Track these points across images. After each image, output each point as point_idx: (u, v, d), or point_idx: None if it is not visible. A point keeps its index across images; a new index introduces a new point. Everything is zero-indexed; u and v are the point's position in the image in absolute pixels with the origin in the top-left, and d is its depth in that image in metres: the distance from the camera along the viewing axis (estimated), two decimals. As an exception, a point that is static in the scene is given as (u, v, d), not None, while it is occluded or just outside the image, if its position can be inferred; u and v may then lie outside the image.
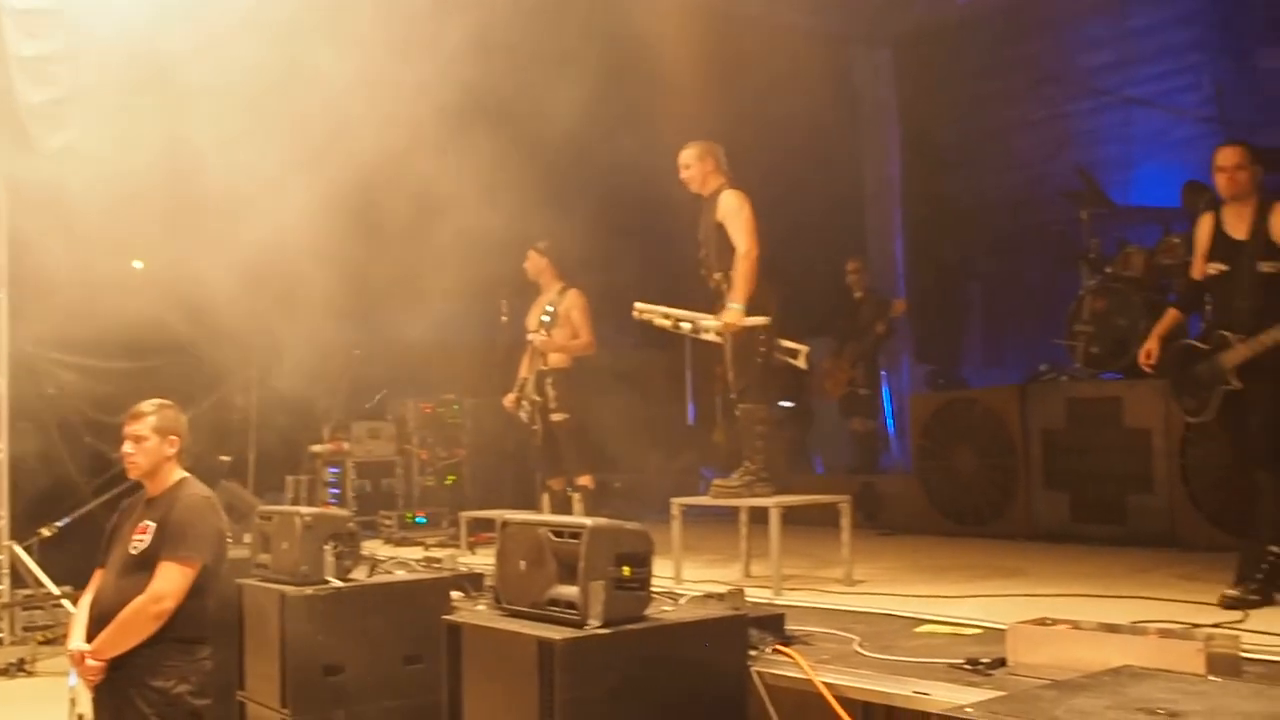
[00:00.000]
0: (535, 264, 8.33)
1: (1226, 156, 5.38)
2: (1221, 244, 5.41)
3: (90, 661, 4.43)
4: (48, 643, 8.27)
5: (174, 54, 7.48)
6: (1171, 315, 5.92)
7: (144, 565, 4.52)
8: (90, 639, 4.49)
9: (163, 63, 7.46)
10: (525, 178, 8.50)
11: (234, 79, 7.42)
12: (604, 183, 9.55)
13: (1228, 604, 5.01)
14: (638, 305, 7.02)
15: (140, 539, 4.56)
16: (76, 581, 8.46)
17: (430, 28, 7.58)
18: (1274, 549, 5.12)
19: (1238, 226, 5.35)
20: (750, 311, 6.40)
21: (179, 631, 4.51)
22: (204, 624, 4.64)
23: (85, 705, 6.87)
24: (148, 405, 4.76)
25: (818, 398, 11.29)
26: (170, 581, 4.45)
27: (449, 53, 7.67)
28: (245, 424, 10.24)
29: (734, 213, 6.48)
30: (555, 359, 8.08)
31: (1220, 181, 5.39)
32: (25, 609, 8.36)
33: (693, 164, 6.66)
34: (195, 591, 4.54)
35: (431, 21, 7.54)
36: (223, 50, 7.44)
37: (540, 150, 8.81)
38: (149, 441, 4.67)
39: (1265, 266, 5.19)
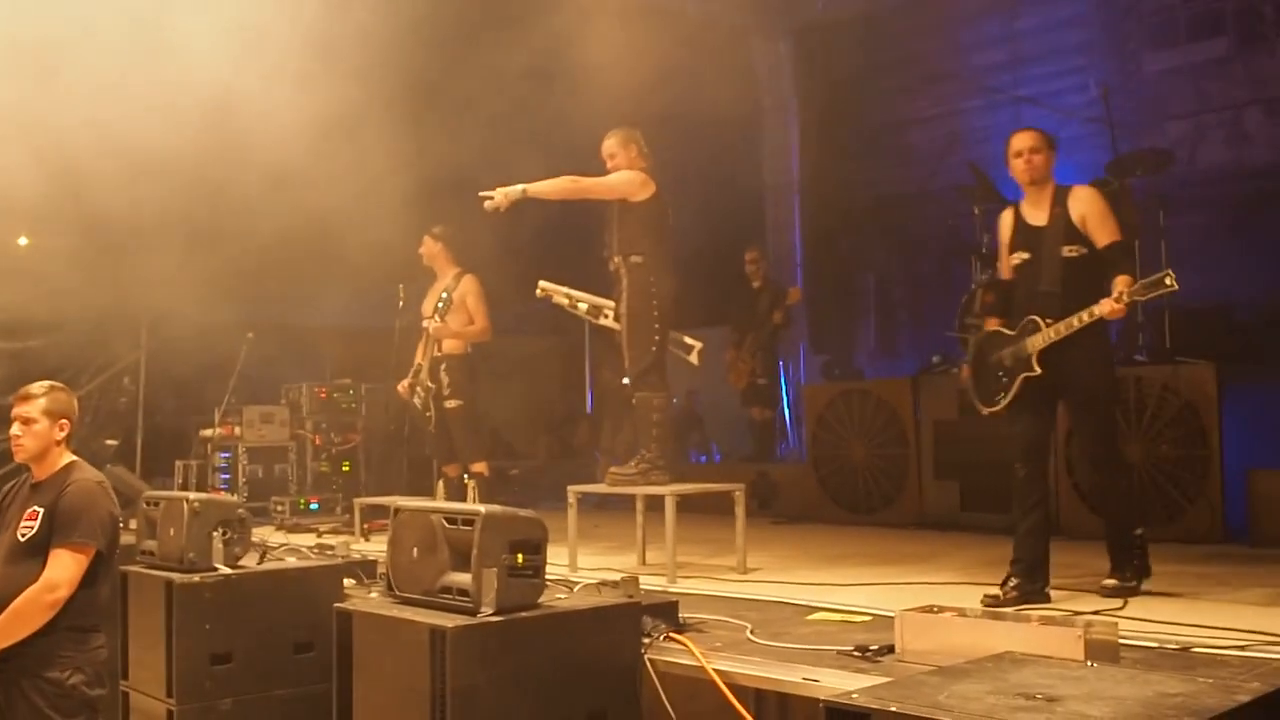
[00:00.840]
0: (430, 249, 8.26)
1: (1024, 139, 5.29)
2: (1023, 233, 5.35)
3: None
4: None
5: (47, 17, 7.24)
6: (990, 325, 5.56)
7: (33, 552, 4.37)
8: None
9: (37, 27, 7.21)
10: (425, 161, 8.42)
11: (118, 43, 7.21)
12: (505, 168, 9.48)
13: (1108, 593, 5.13)
14: (541, 283, 7.00)
15: (29, 525, 4.40)
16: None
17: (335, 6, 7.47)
18: (1139, 531, 5.25)
19: (1036, 214, 5.30)
20: (649, 301, 6.42)
21: (72, 620, 4.38)
22: (98, 612, 4.52)
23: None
24: (38, 387, 4.60)
25: (717, 386, 11.38)
26: (64, 569, 4.31)
27: (352, 35, 7.56)
28: (132, 407, 9.99)
29: (622, 175, 6.51)
30: (450, 345, 8.02)
31: (1018, 166, 5.30)
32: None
33: (618, 152, 6.61)
34: (88, 579, 4.40)
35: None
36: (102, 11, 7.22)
37: (441, 134, 8.73)
38: (38, 424, 4.52)
39: (1068, 251, 5.16)
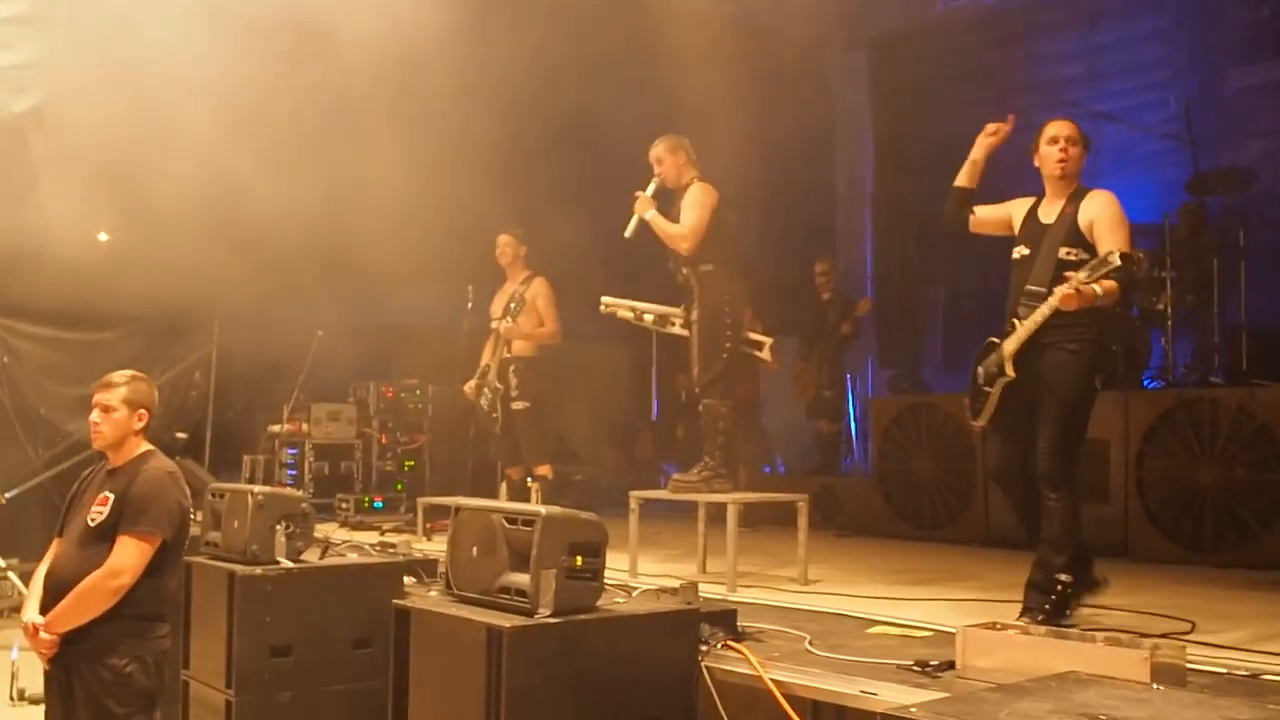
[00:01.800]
0: (509, 249, 8.27)
1: (1062, 126, 4.94)
2: (1030, 227, 4.97)
3: (44, 634, 4.34)
4: (-8, 615, 8.19)
5: (142, 21, 7.39)
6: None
7: (102, 538, 4.42)
8: (45, 611, 4.40)
9: (131, 29, 7.37)
10: (498, 166, 8.48)
11: (202, 51, 7.34)
12: (578, 176, 9.53)
13: None
14: (604, 299, 7.01)
15: (99, 510, 4.46)
16: (24, 554, 8.37)
17: (402, 8, 7.53)
18: (1063, 577, 4.76)
19: (1049, 211, 4.95)
20: (722, 308, 6.41)
21: (136, 608, 4.41)
22: (163, 601, 4.55)
23: (26, 679, 6.82)
24: (119, 376, 4.65)
25: (782, 398, 11.31)
26: (128, 556, 4.35)
27: (428, 36, 7.63)
28: (203, 401, 10.16)
29: (693, 201, 6.51)
30: (519, 347, 8.05)
31: (1051, 155, 4.90)
32: (-29, 581, 8.26)
33: (665, 158, 6.64)
34: (154, 568, 4.43)
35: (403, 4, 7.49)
36: (191, 20, 7.36)
37: (516, 141, 8.78)
38: (118, 413, 4.57)
39: (1065, 252, 4.79)
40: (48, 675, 4.50)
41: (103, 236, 9.44)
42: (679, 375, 11.22)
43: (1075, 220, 4.81)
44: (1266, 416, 7.07)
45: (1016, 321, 4.83)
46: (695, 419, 6.89)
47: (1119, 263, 4.48)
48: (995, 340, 4.97)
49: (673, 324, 6.74)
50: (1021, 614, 4.74)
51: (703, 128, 7.31)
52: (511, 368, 8.01)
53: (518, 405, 7.97)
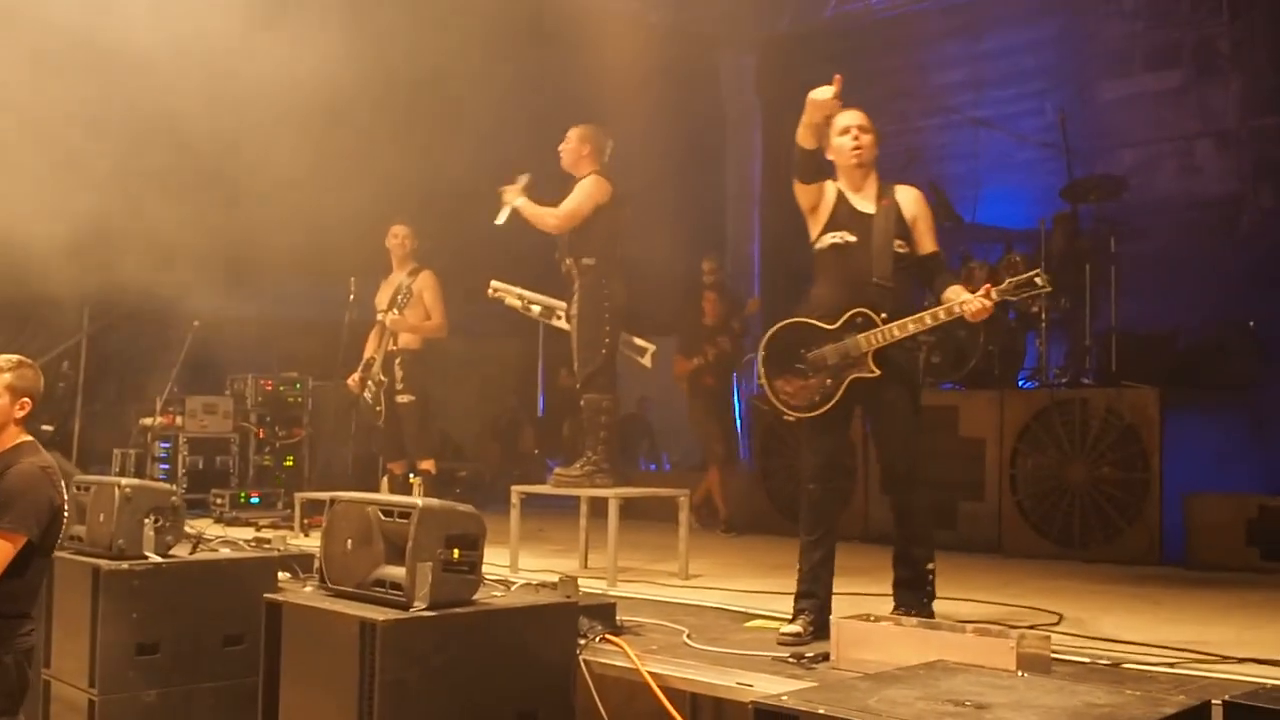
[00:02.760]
0: (405, 241, 8.14)
1: (854, 116, 4.84)
2: (846, 214, 4.79)
3: None
4: None
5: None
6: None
7: None
8: None
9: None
10: (383, 157, 8.36)
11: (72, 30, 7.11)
12: (463, 167, 9.45)
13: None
14: (494, 283, 6.97)
15: None
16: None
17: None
18: (931, 565, 4.79)
19: (861, 200, 4.81)
20: (601, 303, 6.42)
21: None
22: (28, 600, 4.33)
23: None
24: (4, 360, 4.42)
25: (668, 394, 11.34)
26: None
27: (315, 24, 7.50)
28: (71, 392, 9.82)
29: (579, 189, 6.55)
30: (405, 340, 7.93)
31: (845, 145, 4.81)
32: None
33: (571, 141, 6.69)
34: (17, 566, 4.21)
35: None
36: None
37: (403, 133, 8.67)
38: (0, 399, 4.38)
39: (898, 244, 4.72)
40: None
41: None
42: (563, 370, 11.19)
43: (899, 213, 4.78)
44: (1133, 417, 7.32)
45: (871, 315, 4.62)
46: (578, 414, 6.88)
47: (1049, 288, 4.56)
48: (816, 324, 4.73)
49: (559, 317, 6.73)
50: (896, 609, 4.74)
51: (593, 122, 7.30)
52: (397, 360, 7.90)
53: (402, 399, 7.87)
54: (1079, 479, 7.44)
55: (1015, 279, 4.58)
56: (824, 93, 4.63)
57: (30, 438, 4.48)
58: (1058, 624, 4.92)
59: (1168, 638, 4.50)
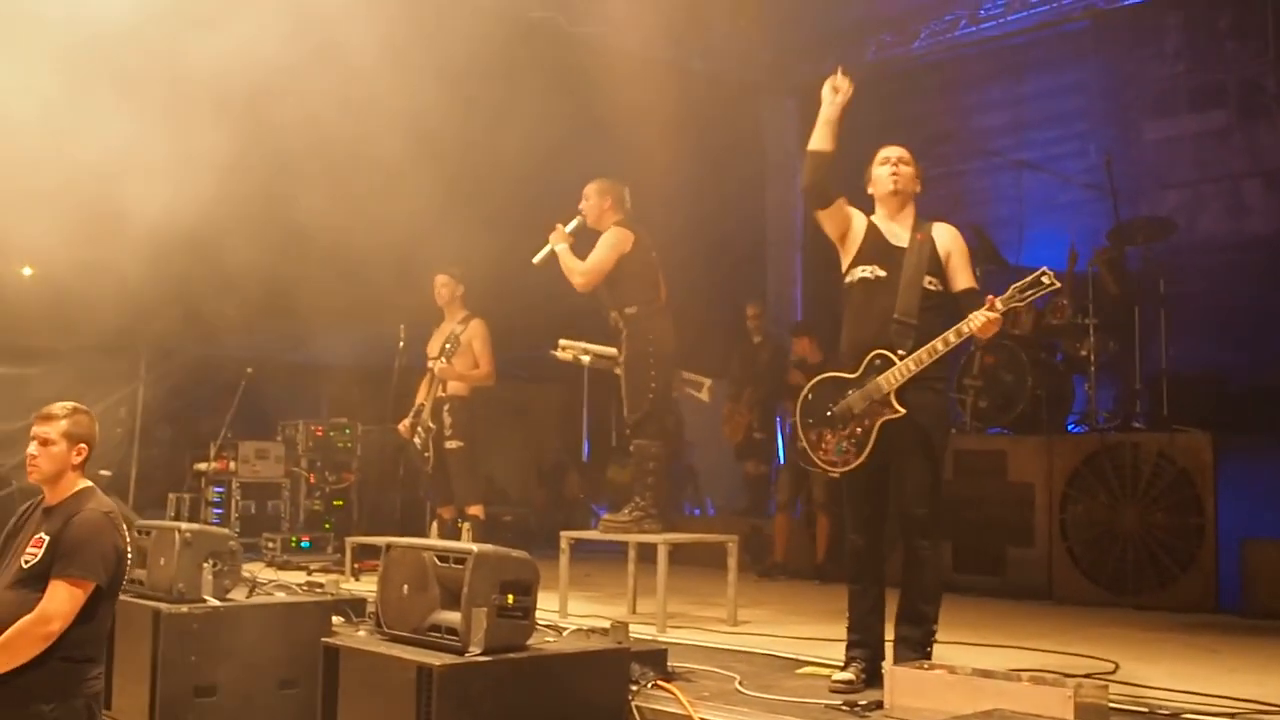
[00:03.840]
0: (447, 288, 8.24)
1: (895, 150, 4.80)
2: (877, 247, 4.70)
3: None
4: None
5: (76, 49, 7.31)
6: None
7: (35, 580, 4.24)
8: None
9: (66, 54, 7.28)
10: (432, 207, 8.47)
11: (137, 82, 7.27)
12: (506, 217, 9.56)
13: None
14: (562, 341, 7.03)
15: (33, 552, 4.29)
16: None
17: (334, 45, 7.54)
18: (936, 627, 4.62)
19: (895, 232, 4.72)
20: (646, 349, 6.47)
21: (67, 652, 4.23)
22: (96, 645, 4.36)
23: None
24: (60, 408, 4.48)
25: (712, 440, 11.36)
26: (59, 603, 4.17)
27: (357, 80, 7.63)
28: (128, 438, 9.99)
29: (601, 243, 6.63)
30: (454, 386, 8.01)
31: (882, 174, 4.76)
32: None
33: (591, 197, 6.76)
34: (86, 613, 4.23)
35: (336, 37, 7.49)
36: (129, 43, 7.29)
37: (452, 183, 8.78)
38: (56, 446, 4.41)
39: (929, 282, 4.60)
40: None
41: (26, 271, 9.28)
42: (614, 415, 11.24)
43: (934, 248, 4.66)
44: (1186, 461, 7.25)
45: (889, 354, 4.52)
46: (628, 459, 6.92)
47: (1056, 284, 4.38)
48: (839, 375, 4.67)
49: (616, 366, 6.79)
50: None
51: (635, 171, 7.38)
52: (446, 407, 7.97)
53: (451, 444, 7.92)
54: (1131, 524, 7.38)
55: (1019, 283, 4.43)
56: (840, 81, 4.62)
57: (90, 484, 4.54)
58: (1114, 672, 4.87)
59: (1227, 688, 4.44)
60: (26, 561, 4.26)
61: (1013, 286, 4.43)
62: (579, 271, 6.57)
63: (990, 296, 4.45)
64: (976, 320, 4.42)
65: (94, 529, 4.28)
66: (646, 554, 6.47)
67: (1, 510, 9.55)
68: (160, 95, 7.41)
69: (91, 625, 4.25)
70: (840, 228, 4.79)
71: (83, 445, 4.46)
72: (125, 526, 4.58)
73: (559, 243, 6.65)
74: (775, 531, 9.35)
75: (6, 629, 4.17)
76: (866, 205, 4.88)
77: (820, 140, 4.72)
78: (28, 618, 4.16)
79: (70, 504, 4.39)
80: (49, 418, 4.43)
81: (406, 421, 8.15)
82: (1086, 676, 4.58)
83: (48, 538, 4.26)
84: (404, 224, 8.12)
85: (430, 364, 8.12)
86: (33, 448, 4.40)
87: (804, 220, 13.13)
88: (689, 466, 13.15)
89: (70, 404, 4.53)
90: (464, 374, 7.98)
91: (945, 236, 4.73)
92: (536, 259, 6.74)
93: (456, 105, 8.52)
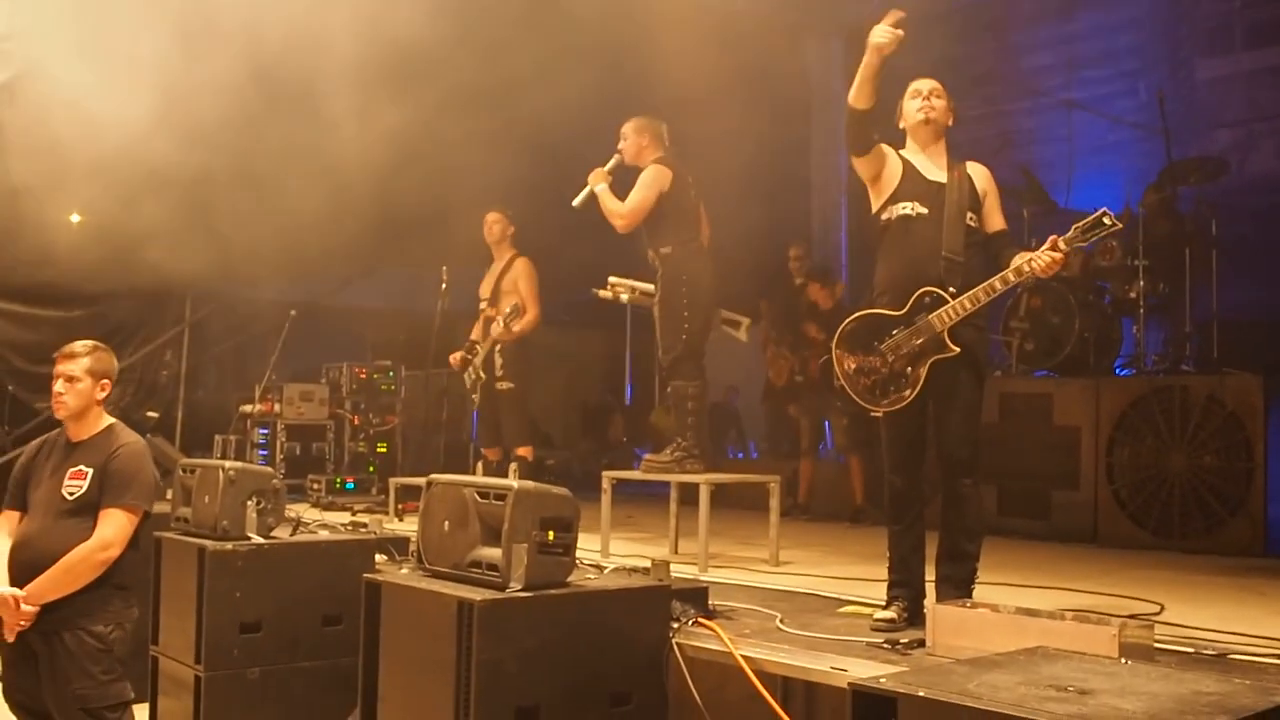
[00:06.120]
0: (495, 228, 8.11)
1: (927, 82, 4.66)
2: (914, 182, 4.57)
3: (25, 606, 4.31)
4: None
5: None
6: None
7: (81, 511, 4.42)
8: (16, 584, 4.36)
9: (107, 5, 7.29)
10: (473, 149, 8.43)
11: (185, 24, 7.27)
12: (550, 159, 9.50)
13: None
14: (611, 279, 6.96)
15: (76, 484, 4.45)
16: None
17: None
18: (977, 565, 4.57)
19: (931, 168, 4.60)
20: (679, 290, 6.41)
21: (119, 578, 4.46)
22: (137, 571, 4.62)
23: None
24: (81, 346, 4.64)
25: (755, 383, 11.30)
26: (118, 528, 4.38)
27: (403, 18, 7.58)
28: (174, 380, 10.09)
29: (640, 182, 6.53)
30: (508, 332, 7.89)
31: (912, 107, 4.64)
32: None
33: (629, 135, 6.67)
34: (134, 540, 4.49)
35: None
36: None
37: (492, 124, 8.73)
38: (81, 383, 4.55)
39: (970, 218, 4.50)
40: (9, 650, 4.46)
41: (75, 218, 9.36)
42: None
43: (972, 185, 4.56)
44: (1235, 405, 7.14)
45: (940, 292, 4.41)
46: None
47: (1118, 225, 4.26)
48: (884, 312, 4.56)
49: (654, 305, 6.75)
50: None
51: (679, 113, 7.29)
52: (497, 348, 7.89)
53: (502, 385, 7.83)
54: (1179, 468, 7.29)
55: (1081, 223, 4.28)
56: (884, 34, 4.39)
57: (114, 419, 4.67)
58: (1160, 614, 4.82)
59: (1276, 629, 4.38)
60: (70, 493, 4.38)
61: (1075, 226, 4.30)
62: (619, 214, 6.50)
63: (1053, 236, 4.32)
64: (1040, 260, 4.28)
65: (141, 460, 4.49)
66: (688, 495, 6.47)
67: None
68: (200, 39, 7.41)
69: (137, 551, 4.47)
70: (875, 168, 4.68)
71: (105, 381, 4.62)
72: (170, 468, 4.74)
73: (598, 183, 6.58)
74: (800, 475, 9.32)
75: (58, 557, 4.30)
76: (899, 140, 4.78)
77: (860, 97, 4.55)
78: (87, 544, 4.31)
79: (103, 438, 4.54)
80: (71, 355, 4.59)
81: (458, 353, 8.08)
82: (1131, 617, 4.53)
83: (91, 470, 4.39)
84: (446, 165, 8.10)
85: (483, 305, 8.05)
86: (59, 385, 4.56)
87: (848, 162, 12.99)
88: (732, 410, 13.13)
89: (90, 342, 4.69)
90: (518, 333, 7.82)
91: (981, 175, 4.64)
92: (576, 202, 6.67)
93: (499, 46, 8.47)
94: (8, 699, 4.56)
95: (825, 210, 13.15)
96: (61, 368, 4.56)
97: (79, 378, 4.54)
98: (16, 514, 4.57)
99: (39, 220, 8.63)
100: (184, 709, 5.01)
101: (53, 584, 4.31)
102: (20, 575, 4.37)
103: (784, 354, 10.34)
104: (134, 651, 4.59)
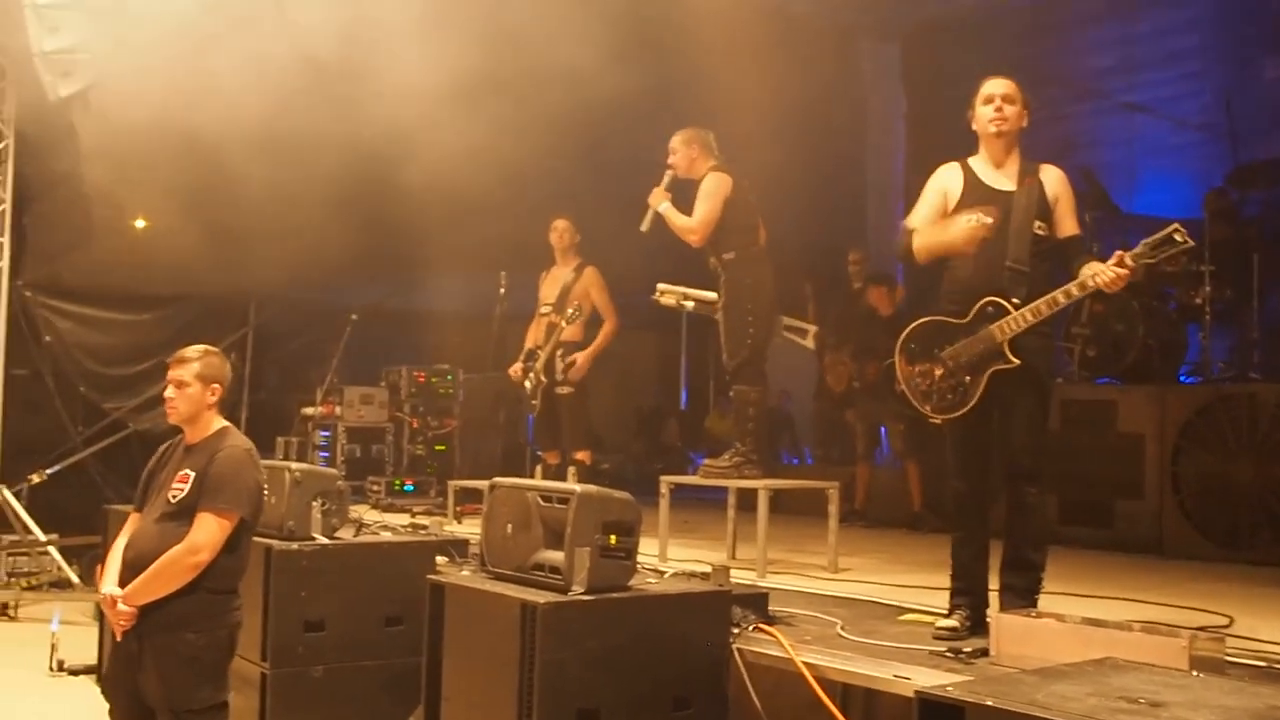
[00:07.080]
0: (565, 235, 8.09)
1: (999, 84, 4.58)
2: (979, 192, 4.55)
3: (122, 606, 4.37)
4: (32, 589, 8.28)
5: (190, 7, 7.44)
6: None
7: (181, 514, 4.40)
8: (122, 584, 4.42)
9: (181, 17, 7.41)
10: (534, 155, 8.47)
11: (255, 30, 7.38)
12: (612, 165, 9.54)
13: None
14: (660, 285, 6.96)
15: (179, 487, 4.45)
16: (63, 529, 8.49)
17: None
18: (1043, 574, 4.53)
19: (999, 177, 4.57)
20: (743, 295, 6.41)
21: (212, 583, 4.37)
22: (237, 577, 4.52)
23: (66, 650, 6.90)
24: (192, 351, 4.61)
25: (809, 389, 11.26)
26: (208, 533, 4.31)
27: (462, 23, 7.64)
28: (238, 382, 10.24)
29: (703, 193, 6.51)
30: (569, 333, 7.88)
31: (985, 115, 4.57)
32: (10, 554, 8.36)
33: (679, 149, 6.67)
34: (230, 544, 4.37)
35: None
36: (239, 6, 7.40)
37: (552, 131, 8.77)
38: (191, 388, 4.53)
39: (1038, 226, 4.45)
40: (116, 647, 4.51)
41: (140, 224, 9.53)
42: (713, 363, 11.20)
43: (1042, 191, 4.50)
44: (1305, 413, 7.01)
45: (1003, 302, 4.40)
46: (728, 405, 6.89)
47: (1190, 243, 4.19)
48: (947, 320, 4.57)
49: (715, 311, 6.74)
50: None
51: (736, 118, 7.31)
52: (559, 352, 7.89)
53: (562, 390, 7.84)
54: (1247, 478, 7.15)
55: (1151, 239, 4.20)
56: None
57: (227, 423, 4.66)
58: (1229, 627, 4.75)
59: (1350, 643, 4.31)
60: (174, 496, 4.40)
61: (1144, 243, 4.22)
62: (691, 229, 6.48)
63: (1120, 252, 4.23)
64: (1104, 275, 4.23)
65: (239, 464, 4.41)
66: (746, 501, 6.46)
67: (121, 452, 9.92)
68: (263, 52, 7.50)
69: (235, 557, 4.37)
70: (940, 212, 4.68)
71: (216, 385, 4.57)
72: None
73: (660, 202, 6.57)
74: (857, 480, 9.28)
75: (155, 559, 4.33)
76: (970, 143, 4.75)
77: (922, 249, 4.65)
78: (178, 547, 4.30)
79: (212, 441, 4.51)
80: (182, 361, 4.55)
81: (518, 365, 8.11)
82: (1200, 629, 4.47)
83: (193, 473, 4.40)
84: (506, 169, 8.14)
85: (544, 309, 8.06)
86: (169, 391, 4.54)
87: (905, 166, 12.92)
88: (787, 415, 13.08)
89: (202, 347, 4.65)
90: (597, 348, 7.85)
91: (1054, 180, 4.56)
92: (644, 226, 6.65)
93: (555, 53, 8.51)
94: (104, 691, 4.61)
95: (881, 214, 13.08)
96: (172, 373, 4.53)
97: (188, 383, 4.53)
98: (139, 514, 4.63)
99: (109, 226, 8.82)
100: (250, 706, 5.08)
101: (146, 586, 4.32)
102: (125, 575, 4.40)
103: (843, 360, 10.29)
104: (230, 655, 4.57)
